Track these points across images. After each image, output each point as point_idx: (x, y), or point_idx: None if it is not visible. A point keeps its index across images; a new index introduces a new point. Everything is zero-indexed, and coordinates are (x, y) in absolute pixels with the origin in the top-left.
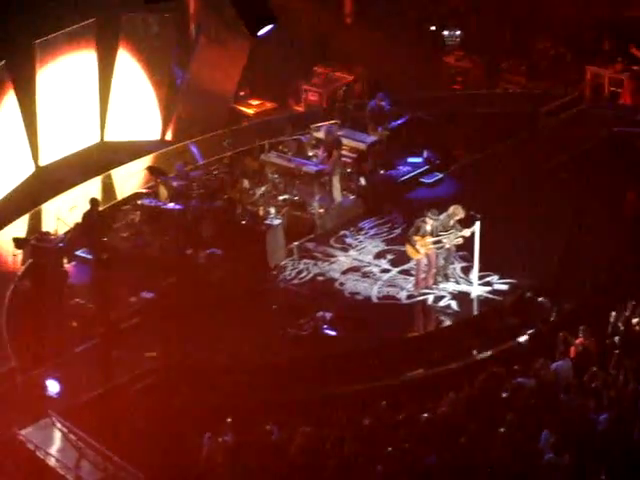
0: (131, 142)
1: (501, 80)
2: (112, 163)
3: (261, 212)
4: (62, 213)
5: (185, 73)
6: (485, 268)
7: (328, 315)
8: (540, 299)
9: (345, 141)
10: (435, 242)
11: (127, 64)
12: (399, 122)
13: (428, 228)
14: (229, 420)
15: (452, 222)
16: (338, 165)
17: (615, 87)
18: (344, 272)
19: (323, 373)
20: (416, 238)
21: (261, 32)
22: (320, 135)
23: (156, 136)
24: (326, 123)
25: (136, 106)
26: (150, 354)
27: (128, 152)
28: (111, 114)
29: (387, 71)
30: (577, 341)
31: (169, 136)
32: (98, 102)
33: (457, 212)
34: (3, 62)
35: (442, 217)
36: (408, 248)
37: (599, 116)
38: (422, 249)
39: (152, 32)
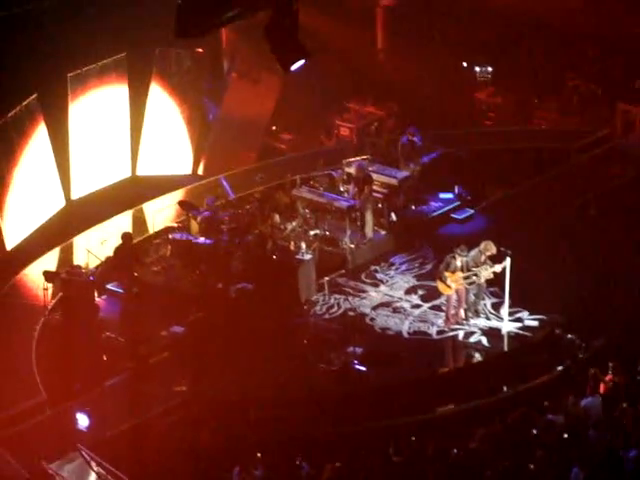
0: (162, 176)
1: (533, 116)
2: (143, 197)
3: (292, 247)
4: (93, 247)
5: (217, 108)
6: (516, 304)
7: (359, 350)
8: (569, 336)
9: (376, 176)
10: (466, 277)
11: (159, 98)
12: (431, 157)
13: (458, 264)
14: (259, 455)
15: (483, 258)
16: (369, 201)
17: None
18: (375, 307)
19: (353, 408)
20: (447, 274)
21: (294, 67)
22: (351, 170)
23: (187, 170)
24: (358, 158)
25: (168, 140)
26: (179, 388)
27: (159, 187)
28: (143, 148)
29: (419, 106)
30: (607, 377)
31: (200, 170)
32: (130, 136)
33: (489, 248)
34: (35, 95)
35: (473, 253)
36: (439, 284)
37: (629, 153)
38: (453, 284)
39: (185, 67)
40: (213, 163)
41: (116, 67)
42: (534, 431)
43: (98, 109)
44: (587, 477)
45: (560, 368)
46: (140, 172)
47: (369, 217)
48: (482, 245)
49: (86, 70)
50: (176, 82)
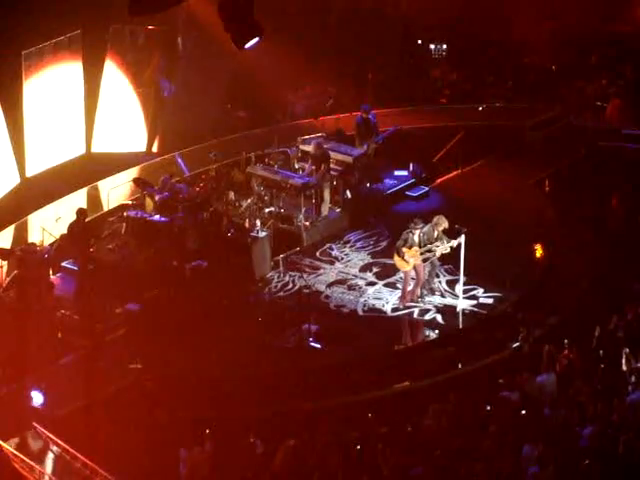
0: (117, 154)
1: (486, 94)
2: (98, 175)
3: (247, 224)
4: (48, 224)
5: (171, 85)
6: (471, 281)
7: (314, 328)
8: (519, 315)
9: (332, 154)
10: (423, 252)
11: (114, 75)
12: (385, 134)
13: (415, 239)
14: (207, 431)
15: (437, 233)
16: (326, 179)
17: (601, 102)
18: (330, 285)
19: (308, 386)
20: (404, 249)
21: (248, 45)
22: (308, 148)
23: (142, 148)
24: (313, 136)
25: (122, 118)
26: (134, 366)
27: (114, 164)
28: (97, 125)
29: (373, 83)
30: (562, 355)
31: (155, 148)
32: (84, 113)
33: (441, 222)
34: None
35: (426, 228)
36: (397, 260)
37: (584, 130)
38: (411, 260)
39: (139, 44)
40: (168, 140)
41: (70, 44)
42: (488, 407)
43: (52, 86)
44: (542, 454)
45: (514, 346)
46: (95, 149)
47: (326, 195)
48: (434, 219)
49: (40, 47)
50: (130, 59)
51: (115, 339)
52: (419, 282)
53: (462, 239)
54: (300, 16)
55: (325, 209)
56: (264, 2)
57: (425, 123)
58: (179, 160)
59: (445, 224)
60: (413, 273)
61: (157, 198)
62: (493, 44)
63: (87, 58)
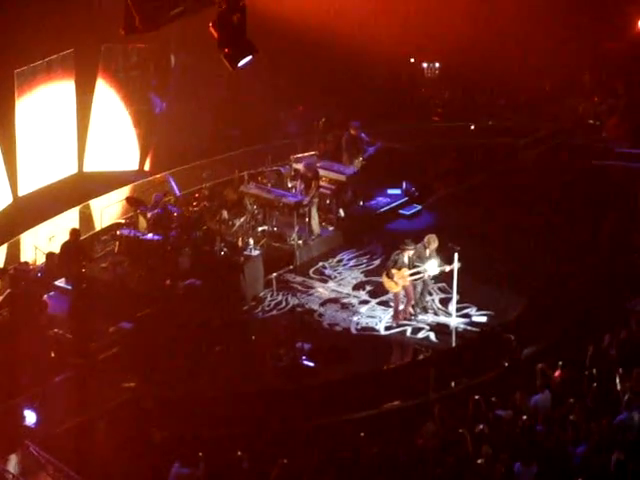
0: (109, 172)
1: (480, 113)
2: (90, 193)
3: (240, 243)
4: (40, 243)
5: (162, 102)
6: (463, 300)
7: (307, 346)
8: (508, 335)
9: (324, 172)
10: (412, 274)
11: (106, 94)
12: (371, 151)
13: (405, 260)
14: (200, 454)
15: (428, 252)
16: (316, 196)
17: (594, 120)
18: (323, 303)
19: (301, 404)
20: (393, 271)
21: (241, 63)
22: (299, 167)
23: (134, 166)
24: (306, 154)
25: (114, 136)
26: (128, 385)
27: (106, 183)
28: (89, 144)
29: (369, 101)
30: (555, 374)
31: (147, 166)
32: (76, 132)
33: (431, 241)
34: None
35: (417, 247)
36: (386, 281)
37: (578, 149)
38: (400, 281)
39: (131, 62)
40: (160, 159)
41: (63, 63)
42: (481, 426)
43: (45, 105)
44: (535, 473)
45: (505, 365)
46: (87, 168)
47: (314, 213)
48: (425, 239)
49: (33, 66)
50: (122, 78)
51: (108, 358)
52: (409, 301)
53: (455, 264)
54: (291, 35)
55: (315, 226)
56: (256, 21)
57: (417, 141)
58: (171, 180)
59: (436, 243)
60: (403, 293)
61: (150, 214)
62: (486, 64)
63: (79, 77)
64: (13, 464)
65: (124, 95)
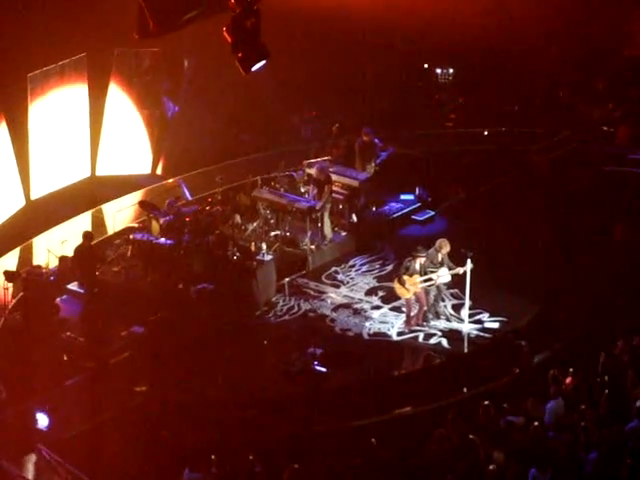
0: (122, 176)
1: (493, 118)
2: (103, 197)
3: (253, 248)
4: (53, 246)
5: (175, 106)
6: (476, 305)
7: (319, 351)
8: (520, 341)
9: (337, 178)
10: (424, 280)
11: (118, 98)
12: (384, 156)
13: (417, 266)
14: (213, 457)
15: (440, 256)
16: (329, 202)
17: (607, 126)
18: (335, 309)
19: (313, 409)
20: (405, 277)
21: (254, 67)
22: (312, 172)
23: (147, 170)
24: (319, 159)
25: (127, 140)
26: (140, 389)
27: (119, 186)
28: (102, 148)
29: (380, 108)
30: (567, 380)
31: (159, 170)
32: (89, 136)
33: (443, 245)
34: None
35: (429, 252)
36: (397, 288)
37: (590, 155)
38: (411, 288)
39: (144, 66)
40: (172, 163)
41: (76, 67)
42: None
43: (58, 109)
44: (547, 478)
45: (517, 371)
46: (100, 172)
47: (326, 218)
48: (437, 243)
49: (46, 70)
50: (135, 82)
51: (120, 362)
52: (422, 307)
53: (468, 266)
54: (305, 39)
55: (327, 232)
56: (270, 25)
57: (430, 147)
58: (183, 185)
59: (447, 247)
60: (415, 299)
61: (162, 221)
62: (500, 69)
63: (92, 81)
64: (25, 467)
65: (137, 99)
